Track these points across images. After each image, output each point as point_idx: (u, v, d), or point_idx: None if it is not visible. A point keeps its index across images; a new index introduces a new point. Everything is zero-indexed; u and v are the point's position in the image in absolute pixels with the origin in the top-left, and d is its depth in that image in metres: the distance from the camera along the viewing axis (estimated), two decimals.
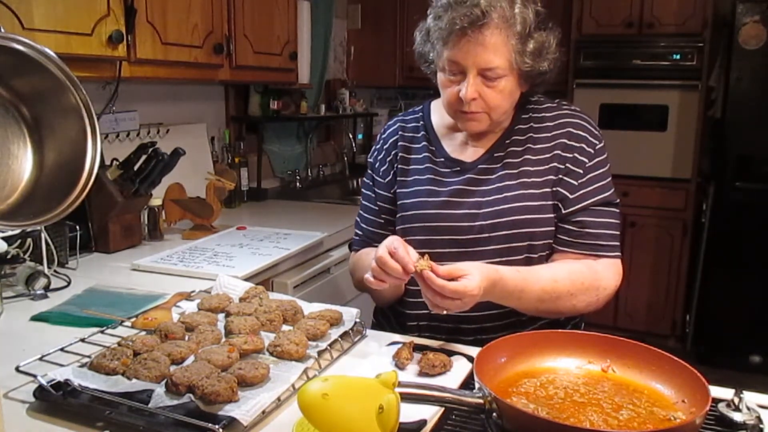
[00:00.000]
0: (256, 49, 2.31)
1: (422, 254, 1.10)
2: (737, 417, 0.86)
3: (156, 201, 2.03)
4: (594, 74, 3.53)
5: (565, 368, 0.94)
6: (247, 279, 1.60)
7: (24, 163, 1.02)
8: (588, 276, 1.22)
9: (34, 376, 0.93)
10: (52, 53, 0.98)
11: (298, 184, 3.21)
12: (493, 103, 1.22)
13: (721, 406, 0.88)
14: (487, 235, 1.25)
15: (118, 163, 1.93)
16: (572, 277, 1.20)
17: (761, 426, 0.85)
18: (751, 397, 0.93)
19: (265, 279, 1.80)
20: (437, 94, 1.31)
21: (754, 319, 3.24)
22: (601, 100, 3.53)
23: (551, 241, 1.27)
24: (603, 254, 1.25)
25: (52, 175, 1.03)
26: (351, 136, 3.70)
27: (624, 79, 3.54)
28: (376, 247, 1.14)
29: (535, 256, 1.26)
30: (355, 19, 3.66)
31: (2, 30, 0.97)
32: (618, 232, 1.28)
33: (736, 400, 0.88)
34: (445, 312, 1.08)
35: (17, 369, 0.98)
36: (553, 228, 1.26)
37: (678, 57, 3.47)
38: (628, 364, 0.93)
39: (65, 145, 1.03)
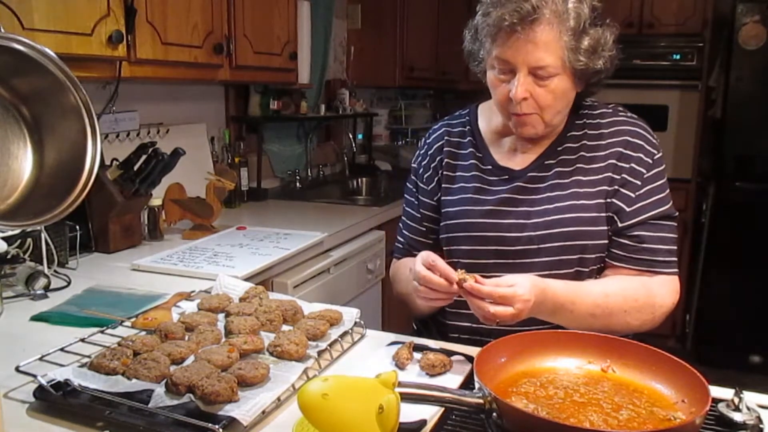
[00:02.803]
0: (256, 49, 2.31)
1: (454, 267, 1.07)
2: (737, 417, 0.86)
3: (156, 201, 2.03)
4: None
5: (565, 368, 0.94)
6: (247, 279, 1.60)
7: (24, 163, 1.02)
8: (642, 293, 1.16)
9: (34, 376, 0.93)
10: (52, 53, 0.98)
11: (298, 184, 3.21)
12: (544, 103, 1.16)
13: (721, 406, 0.88)
14: (536, 246, 1.21)
15: (118, 163, 1.93)
16: (626, 294, 1.16)
17: (761, 426, 0.85)
18: (751, 397, 0.93)
19: (265, 279, 1.80)
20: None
21: (754, 319, 3.24)
22: (601, 100, 3.52)
23: (603, 254, 1.22)
24: (659, 270, 1.19)
25: (52, 175, 1.03)
26: (351, 136, 3.70)
27: (624, 79, 3.53)
28: (416, 255, 1.11)
29: (586, 270, 1.21)
30: (355, 19, 3.66)
31: (2, 30, 0.97)
32: (675, 247, 1.21)
33: (736, 400, 0.88)
34: (497, 323, 1.03)
35: (17, 369, 0.98)
36: (606, 241, 1.21)
37: (678, 57, 3.48)
38: (628, 364, 0.93)
39: (65, 145, 1.03)
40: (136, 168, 1.91)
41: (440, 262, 1.05)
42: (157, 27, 1.83)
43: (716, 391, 0.89)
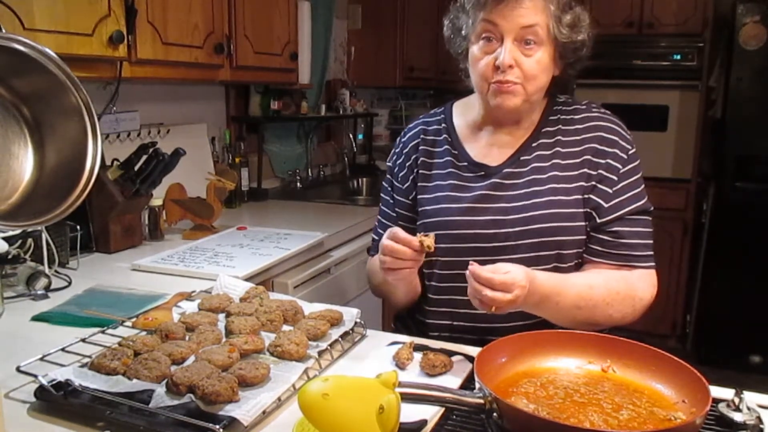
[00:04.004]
0: (256, 49, 2.31)
1: (426, 235, 1.12)
2: (737, 417, 0.86)
3: (156, 201, 2.03)
4: (594, 74, 3.50)
5: (565, 368, 0.94)
6: (248, 279, 1.60)
7: (25, 163, 1.02)
8: (623, 286, 1.18)
9: (35, 376, 0.93)
10: (52, 53, 0.98)
11: (298, 184, 3.21)
12: (530, 73, 1.18)
13: (721, 406, 0.88)
14: (513, 243, 1.21)
15: (118, 163, 1.93)
16: (608, 285, 1.17)
17: (761, 426, 0.85)
18: (751, 397, 0.93)
19: (265, 279, 1.80)
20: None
21: (754, 319, 3.24)
22: (601, 100, 3.52)
23: (581, 250, 1.23)
24: (638, 265, 1.21)
25: (53, 175, 1.03)
26: (351, 136, 3.70)
27: (624, 79, 3.54)
28: None
29: (564, 265, 1.22)
30: (355, 19, 3.66)
31: (3, 30, 0.97)
32: (651, 241, 1.23)
33: (736, 400, 0.88)
34: (493, 309, 1.03)
35: (18, 369, 0.98)
36: (583, 237, 1.22)
37: (678, 57, 3.47)
38: (628, 364, 0.93)
39: (66, 145, 1.03)
40: (136, 168, 1.91)
41: (401, 233, 1.12)
42: (158, 27, 1.83)
43: (716, 391, 0.89)
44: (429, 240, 1.10)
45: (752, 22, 3.09)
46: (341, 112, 3.48)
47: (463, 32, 1.25)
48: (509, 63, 1.17)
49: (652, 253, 1.23)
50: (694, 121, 3.47)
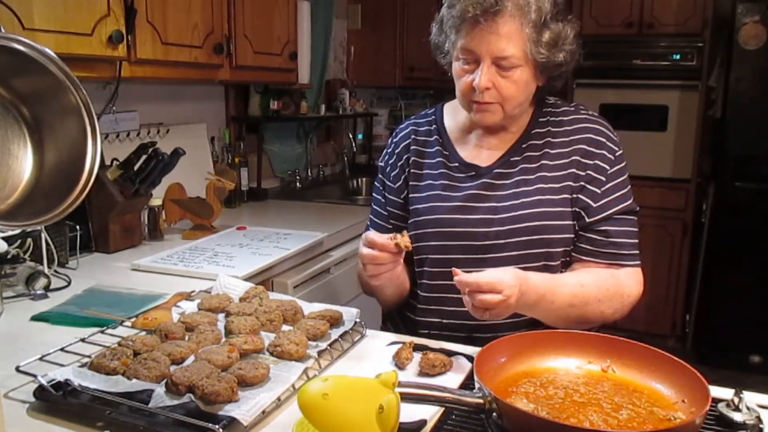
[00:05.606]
0: (256, 49, 2.31)
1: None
2: (737, 417, 0.86)
3: (156, 201, 2.03)
4: (594, 74, 3.53)
5: (565, 368, 0.94)
6: (247, 279, 1.60)
7: (24, 163, 1.02)
8: (612, 282, 1.21)
9: (35, 376, 0.93)
10: (52, 53, 0.98)
11: (298, 184, 3.21)
12: (507, 94, 1.19)
13: (721, 406, 0.88)
14: (503, 241, 1.23)
15: (118, 163, 1.93)
16: (598, 283, 1.19)
17: (761, 426, 0.85)
18: (751, 397, 0.93)
19: (265, 279, 1.80)
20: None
21: (754, 319, 3.24)
22: (601, 100, 3.53)
23: (569, 248, 1.25)
24: (625, 263, 1.24)
25: (53, 175, 1.03)
26: (351, 136, 3.70)
27: (624, 79, 3.54)
28: None
29: (553, 264, 1.24)
30: (355, 19, 3.66)
31: (2, 30, 0.97)
32: (637, 241, 1.26)
33: (736, 400, 0.88)
34: (487, 315, 1.05)
35: (17, 369, 0.98)
36: (571, 235, 1.24)
37: (678, 57, 3.47)
38: (628, 364, 0.93)
39: (65, 145, 1.03)
40: (136, 168, 1.91)
41: (378, 239, 1.13)
42: (158, 27, 1.83)
43: (716, 391, 0.89)
44: (405, 239, 1.12)
45: (752, 22, 3.09)
46: (341, 111, 3.48)
47: (446, 47, 1.27)
48: (485, 86, 1.18)
49: (638, 251, 1.26)
50: (694, 121, 3.47)
